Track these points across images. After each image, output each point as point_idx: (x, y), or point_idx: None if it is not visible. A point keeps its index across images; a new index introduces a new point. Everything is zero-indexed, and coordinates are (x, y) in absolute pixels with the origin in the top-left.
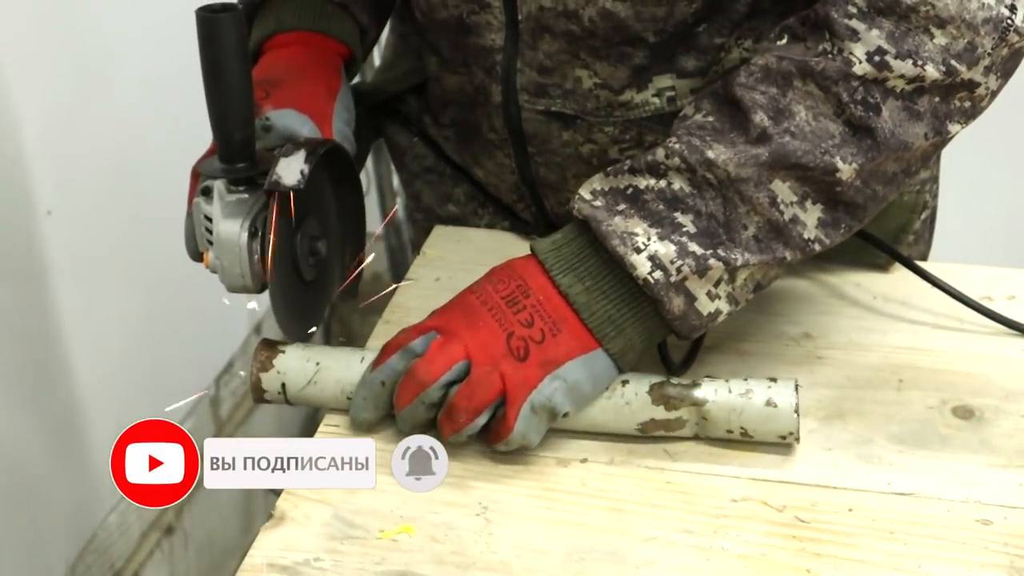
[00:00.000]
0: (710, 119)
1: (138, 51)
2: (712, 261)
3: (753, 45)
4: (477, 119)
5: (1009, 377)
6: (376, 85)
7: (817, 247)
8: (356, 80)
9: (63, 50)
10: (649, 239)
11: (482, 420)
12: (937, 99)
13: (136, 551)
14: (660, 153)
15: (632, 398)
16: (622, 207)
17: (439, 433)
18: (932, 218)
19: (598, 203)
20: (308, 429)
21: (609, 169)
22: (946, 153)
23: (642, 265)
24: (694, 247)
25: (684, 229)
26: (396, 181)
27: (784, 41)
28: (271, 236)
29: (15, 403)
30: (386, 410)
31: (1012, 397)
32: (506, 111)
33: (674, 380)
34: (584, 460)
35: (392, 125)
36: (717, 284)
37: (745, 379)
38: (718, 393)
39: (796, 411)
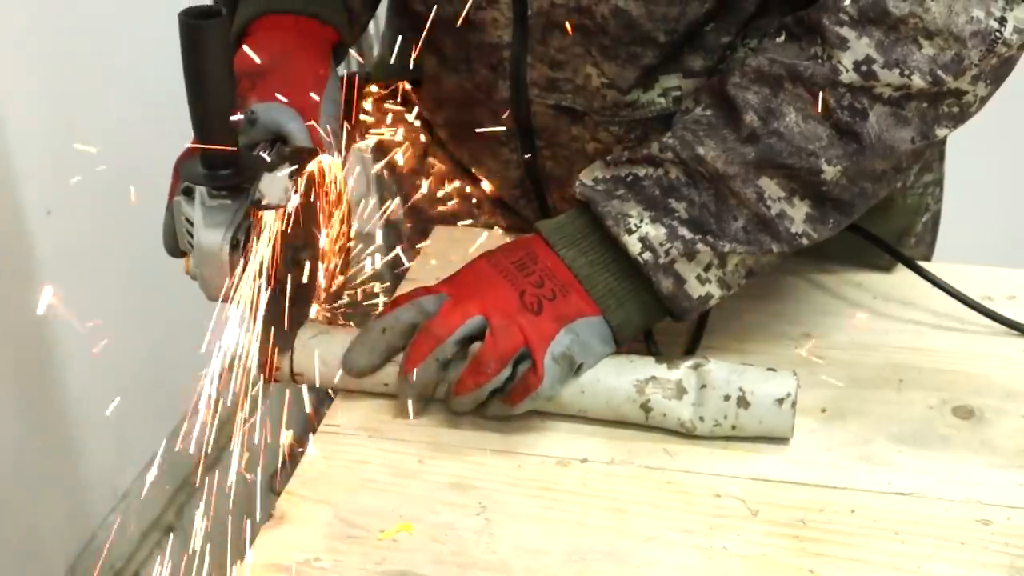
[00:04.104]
0: (708, 112)
1: (139, 51)
2: (700, 246)
3: (758, 45)
4: (478, 117)
5: (1009, 377)
6: (369, 79)
7: (805, 241)
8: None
9: (63, 50)
10: (642, 221)
11: (506, 372)
12: (925, 104)
13: (136, 551)
14: (655, 147)
15: (636, 357)
16: (620, 192)
17: (450, 397)
18: (935, 221)
19: (599, 188)
20: (310, 428)
21: (610, 158)
22: (947, 154)
23: (633, 245)
24: (684, 231)
25: (677, 214)
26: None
27: (782, 39)
28: (252, 256)
29: (15, 403)
30: (381, 359)
31: (1012, 397)
32: (515, 106)
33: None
34: (584, 460)
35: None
36: (707, 269)
37: None
38: (720, 360)
39: (795, 374)
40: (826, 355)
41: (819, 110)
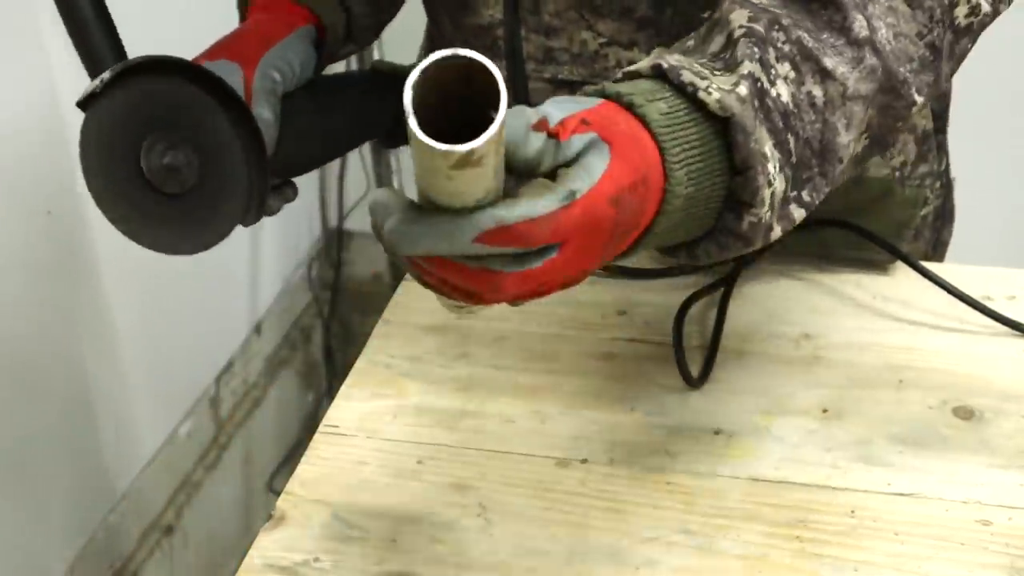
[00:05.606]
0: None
1: (140, 50)
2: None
3: None
4: None
5: (1009, 377)
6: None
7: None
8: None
9: (63, 49)
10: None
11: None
12: (969, 44)
13: (136, 551)
14: (772, 54)
15: None
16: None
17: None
18: (936, 216)
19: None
20: (309, 428)
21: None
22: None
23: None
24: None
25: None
26: (396, 181)
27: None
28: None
29: (15, 402)
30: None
31: (1012, 397)
32: (512, 86)
33: None
34: (584, 460)
35: None
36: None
37: None
38: None
39: None
40: (825, 355)
41: (914, 26)
